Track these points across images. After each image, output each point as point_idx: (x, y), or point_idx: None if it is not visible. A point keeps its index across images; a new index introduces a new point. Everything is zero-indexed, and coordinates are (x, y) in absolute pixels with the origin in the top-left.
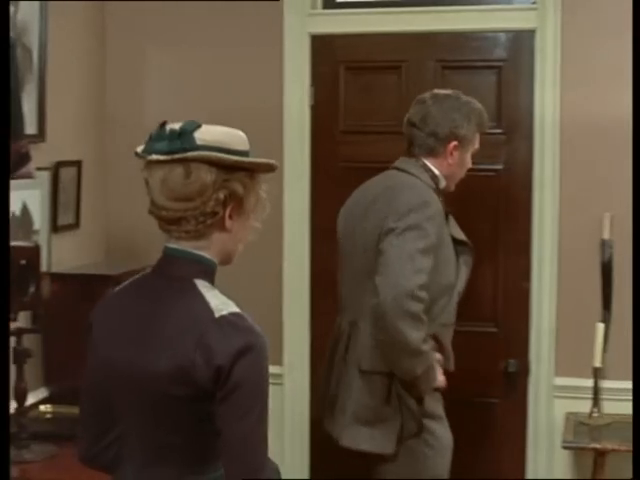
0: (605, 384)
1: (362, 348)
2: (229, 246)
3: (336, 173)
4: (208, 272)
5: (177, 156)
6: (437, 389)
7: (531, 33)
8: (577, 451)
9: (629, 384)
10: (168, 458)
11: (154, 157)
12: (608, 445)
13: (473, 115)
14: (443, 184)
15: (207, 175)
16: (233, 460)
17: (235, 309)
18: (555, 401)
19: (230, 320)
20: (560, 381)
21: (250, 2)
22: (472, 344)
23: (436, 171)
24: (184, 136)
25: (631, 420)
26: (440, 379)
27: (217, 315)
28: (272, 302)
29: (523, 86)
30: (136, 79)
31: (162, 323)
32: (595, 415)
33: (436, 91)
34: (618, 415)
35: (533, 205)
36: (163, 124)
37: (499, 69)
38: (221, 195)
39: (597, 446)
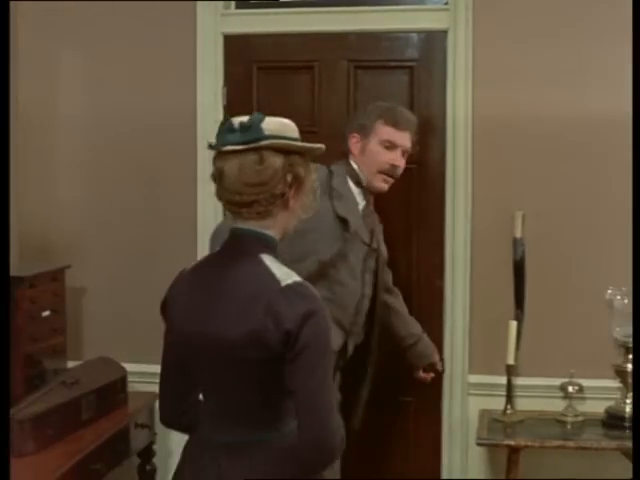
0: (518, 381)
1: None
2: (288, 223)
3: None
4: (271, 247)
5: (252, 145)
6: None
7: (443, 33)
8: (491, 448)
9: (542, 381)
10: (244, 416)
11: (230, 147)
12: (522, 441)
13: (376, 109)
14: (364, 180)
15: (277, 160)
16: (306, 413)
17: (298, 279)
18: (469, 399)
19: (294, 288)
20: (474, 379)
21: (163, 2)
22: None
23: (354, 165)
24: (254, 127)
25: (544, 416)
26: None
27: (283, 284)
28: None
29: (435, 85)
30: (48, 79)
31: (234, 294)
32: (509, 412)
33: None
34: (531, 412)
35: (446, 203)
36: (228, 119)
37: (411, 69)
38: (288, 178)
39: (511, 443)
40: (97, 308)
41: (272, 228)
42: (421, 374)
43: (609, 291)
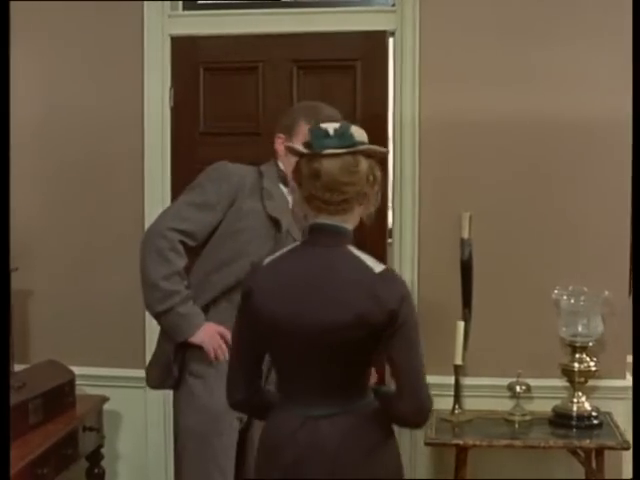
0: (467, 381)
1: None
2: (359, 217)
3: (195, 175)
4: (351, 239)
5: (351, 149)
6: (217, 358)
7: (384, 34)
8: (439, 448)
9: (490, 380)
10: (332, 392)
11: (330, 151)
12: (469, 441)
13: (300, 110)
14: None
15: (365, 163)
16: (408, 378)
17: (384, 266)
18: None
19: (387, 274)
20: None
21: (110, 2)
22: None
23: (281, 165)
24: (347, 134)
25: (492, 416)
26: (216, 348)
27: (377, 271)
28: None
29: (378, 85)
30: None
31: (335, 282)
32: (457, 412)
33: None
34: (479, 411)
35: (393, 205)
36: (320, 127)
37: (354, 69)
38: (370, 178)
39: (459, 442)
40: (44, 311)
41: (349, 222)
42: None
43: (555, 291)
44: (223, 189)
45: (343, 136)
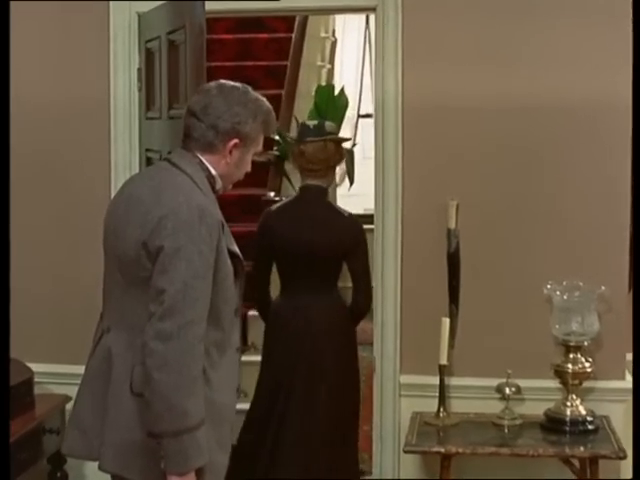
0: (453, 381)
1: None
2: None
3: None
4: (327, 193)
5: (322, 138)
6: None
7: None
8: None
9: (477, 381)
10: (320, 288)
11: (310, 139)
12: (452, 448)
13: (260, 113)
14: (219, 185)
15: (332, 146)
16: (361, 283)
17: (349, 212)
18: (402, 400)
19: (352, 216)
20: (406, 379)
21: None
22: None
23: (213, 170)
24: (323, 128)
25: (479, 419)
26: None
27: (345, 215)
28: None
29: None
30: None
31: (319, 219)
32: (442, 415)
33: (223, 81)
34: (466, 414)
35: (375, 193)
36: (305, 123)
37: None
38: (337, 156)
39: (441, 450)
40: None
41: (325, 183)
42: None
43: (548, 286)
44: (212, 237)
45: (319, 129)
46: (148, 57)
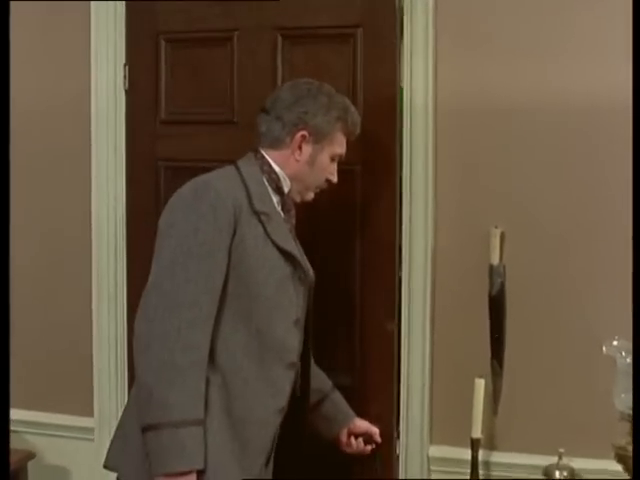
0: (492, 457)
1: None
2: None
3: (155, 173)
4: None
5: None
6: None
7: None
8: None
9: (520, 458)
10: None
11: None
12: None
13: (334, 108)
14: (288, 186)
15: None
16: None
17: None
18: (432, 476)
19: None
20: (436, 451)
21: None
22: None
23: (277, 168)
24: None
25: None
26: None
27: None
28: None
29: (385, 59)
30: None
31: None
32: None
33: (302, 79)
34: None
35: (401, 219)
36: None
37: (353, 37)
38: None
39: None
40: None
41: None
42: (350, 444)
43: (614, 342)
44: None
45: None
46: None
